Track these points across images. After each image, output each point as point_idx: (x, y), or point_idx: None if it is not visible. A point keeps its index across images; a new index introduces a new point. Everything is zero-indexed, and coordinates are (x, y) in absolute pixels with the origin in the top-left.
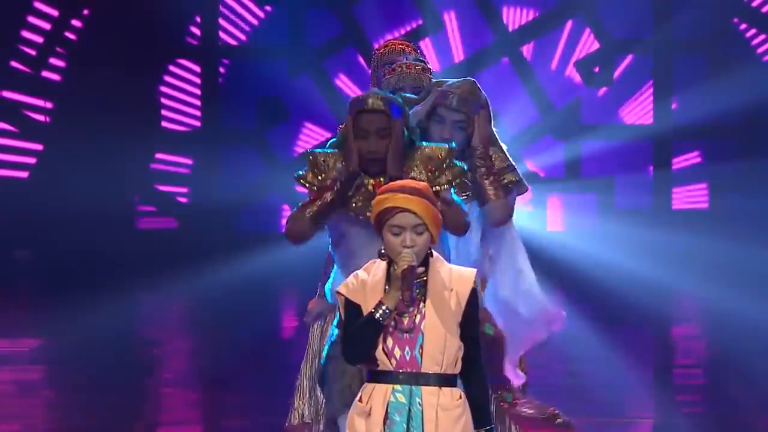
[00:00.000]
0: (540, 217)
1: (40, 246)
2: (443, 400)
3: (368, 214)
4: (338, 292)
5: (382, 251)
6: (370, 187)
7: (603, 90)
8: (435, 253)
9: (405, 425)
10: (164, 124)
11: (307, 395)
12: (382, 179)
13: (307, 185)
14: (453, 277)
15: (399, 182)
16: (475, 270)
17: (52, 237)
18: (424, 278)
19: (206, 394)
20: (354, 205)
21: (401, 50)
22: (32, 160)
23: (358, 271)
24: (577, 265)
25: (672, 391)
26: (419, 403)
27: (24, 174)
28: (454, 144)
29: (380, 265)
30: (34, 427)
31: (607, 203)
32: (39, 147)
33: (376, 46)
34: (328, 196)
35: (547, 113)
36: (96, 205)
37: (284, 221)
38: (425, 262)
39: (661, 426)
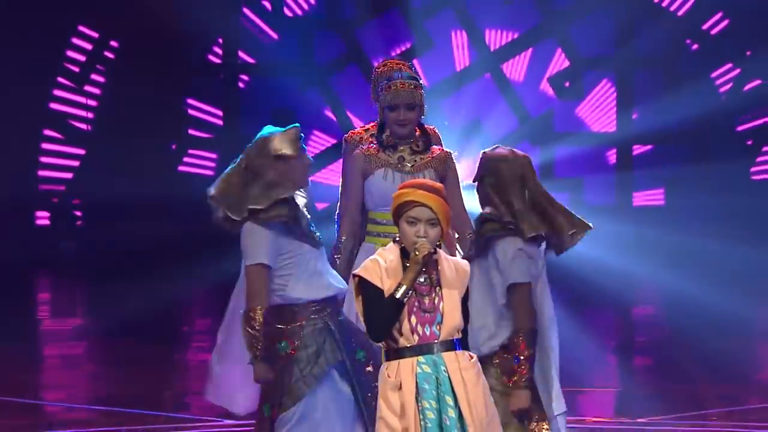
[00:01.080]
0: None
1: (83, 237)
2: (462, 362)
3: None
4: (355, 275)
5: (397, 239)
6: None
7: (573, 102)
8: (441, 249)
9: (435, 392)
10: (191, 131)
11: None
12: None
13: None
14: (455, 265)
15: (419, 180)
16: (468, 261)
17: (93, 229)
18: (437, 265)
19: None
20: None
21: (398, 68)
22: (75, 163)
23: (374, 256)
24: (550, 254)
25: (632, 365)
26: (444, 370)
27: (69, 175)
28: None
29: (394, 251)
30: (77, 396)
31: (577, 200)
32: (81, 152)
33: (376, 64)
34: None
35: (525, 122)
36: (132, 200)
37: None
38: (435, 251)
39: (623, 394)
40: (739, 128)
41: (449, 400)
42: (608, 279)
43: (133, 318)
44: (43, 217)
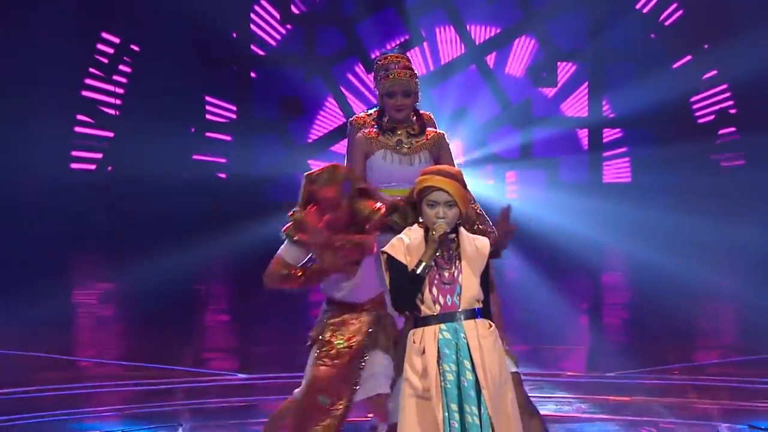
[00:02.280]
0: (500, 188)
1: (112, 211)
2: (480, 330)
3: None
4: (384, 252)
5: (420, 220)
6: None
7: (549, 90)
8: (461, 228)
9: (455, 356)
10: (208, 116)
11: None
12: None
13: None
14: (476, 242)
15: (437, 167)
16: (487, 239)
17: (120, 204)
18: (456, 242)
19: (240, 327)
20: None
21: (396, 60)
22: (105, 145)
23: (400, 235)
24: (528, 226)
25: (602, 325)
26: (463, 336)
27: (99, 155)
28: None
29: (418, 231)
30: (107, 352)
31: (552, 178)
32: (110, 134)
33: (377, 57)
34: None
35: (506, 108)
36: (154, 178)
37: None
38: (455, 230)
39: (593, 351)
40: (698, 114)
41: (467, 364)
42: (581, 248)
43: (155, 283)
44: (75, 193)
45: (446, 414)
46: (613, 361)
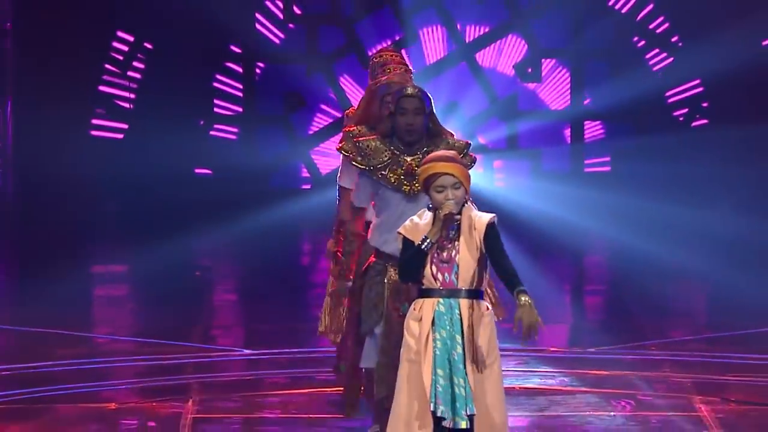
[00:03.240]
0: (489, 177)
1: (125, 199)
2: (475, 311)
3: (404, 186)
4: (399, 232)
5: (430, 205)
6: (405, 166)
7: (534, 85)
8: (468, 203)
9: (448, 328)
10: (216, 110)
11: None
12: (413, 158)
13: (345, 153)
14: (475, 221)
15: (437, 154)
16: (492, 214)
17: (133, 192)
18: (459, 223)
19: (245, 306)
20: (395, 179)
21: (391, 57)
22: (119, 136)
23: (413, 217)
24: (515, 212)
25: (583, 304)
26: (458, 313)
27: (113, 146)
28: (470, 142)
29: (428, 214)
30: (121, 329)
31: (536, 167)
32: (124, 126)
33: (372, 53)
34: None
35: (494, 102)
36: (166, 168)
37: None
38: (460, 211)
39: (575, 328)
40: (672, 107)
41: (458, 339)
42: (564, 232)
43: (166, 265)
44: (92, 181)
45: (433, 377)
46: (594, 338)
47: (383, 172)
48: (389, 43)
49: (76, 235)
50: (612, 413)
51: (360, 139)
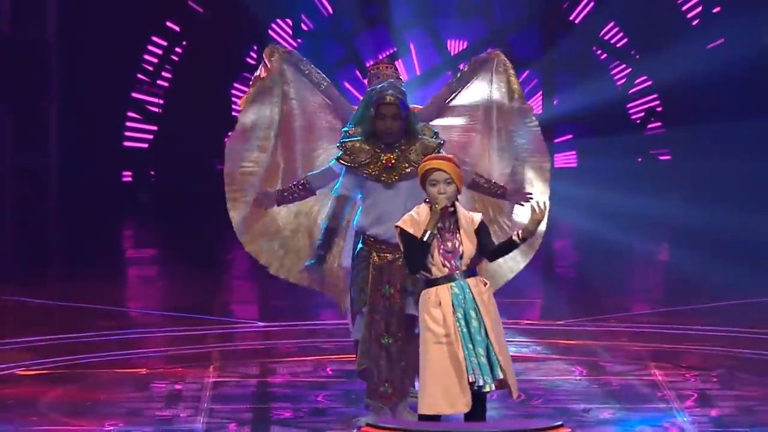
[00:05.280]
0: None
1: (156, 190)
2: (481, 288)
3: (383, 177)
4: (398, 226)
5: (426, 199)
6: (385, 161)
7: None
8: (458, 201)
9: (463, 307)
10: (233, 114)
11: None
12: (392, 155)
13: (343, 162)
14: (469, 215)
15: (435, 155)
16: (480, 213)
17: (164, 184)
18: (455, 217)
19: (259, 283)
20: (376, 172)
21: (385, 67)
22: (150, 137)
23: (411, 212)
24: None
25: (554, 282)
26: (469, 291)
27: (145, 145)
28: (443, 141)
29: (424, 208)
30: (151, 304)
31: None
32: (154, 128)
33: (369, 64)
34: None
35: None
36: (191, 165)
37: None
38: (453, 205)
39: (546, 303)
40: (631, 111)
41: (473, 314)
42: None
43: (190, 248)
44: (126, 175)
45: (466, 352)
46: (563, 312)
47: (365, 168)
48: (384, 55)
49: (111, 222)
50: (577, 377)
51: (346, 141)
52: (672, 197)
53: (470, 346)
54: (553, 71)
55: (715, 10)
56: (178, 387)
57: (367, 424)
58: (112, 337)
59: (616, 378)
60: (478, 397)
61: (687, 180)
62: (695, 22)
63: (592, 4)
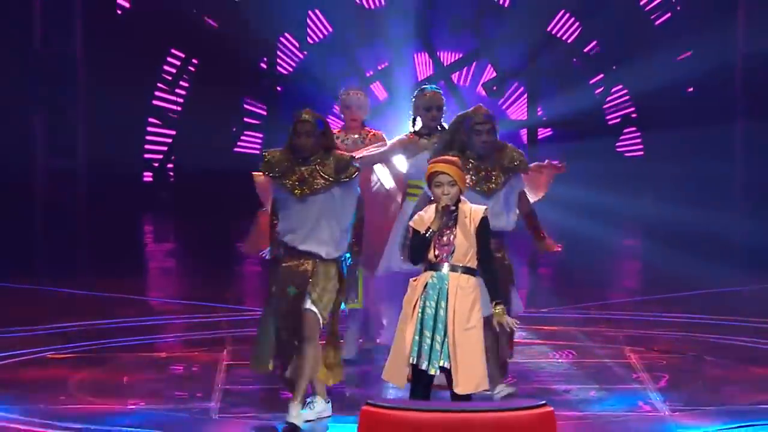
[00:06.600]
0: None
1: (174, 190)
2: (462, 283)
3: (297, 190)
4: (410, 224)
5: (432, 199)
6: (299, 174)
7: (499, 100)
8: (462, 198)
9: (436, 297)
10: (245, 119)
11: None
12: (307, 168)
13: (263, 170)
14: (471, 211)
15: (440, 158)
16: (485, 206)
17: (181, 184)
18: (455, 213)
19: (268, 275)
20: (291, 183)
21: (436, 94)
22: (169, 140)
23: (420, 212)
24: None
25: (538, 274)
26: (446, 284)
27: (164, 148)
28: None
29: (432, 208)
30: (170, 293)
31: None
32: (173, 132)
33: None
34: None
35: None
36: (208, 165)
37: None
38: (457, 203)
39: (531, 292)
40: (608, 117)
41: (443, 305)
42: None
43: (206, 243)
44: (147, 176)
45: (417, 337)
46: (546, 300)
47: (282, 179)
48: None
49: (133, 219)
50: (559, 360)
51: (269, 153)
52: (645, 196)
53: (427, 332)
54: (537, 81)
55: (681, 26)
56: (194, 369)
57: (368, 403)
58: (134, 324)
59: (595, 361)
60: (425, 379)
61: (659, 180)
62: (665, 37)
63: (573, 20)
